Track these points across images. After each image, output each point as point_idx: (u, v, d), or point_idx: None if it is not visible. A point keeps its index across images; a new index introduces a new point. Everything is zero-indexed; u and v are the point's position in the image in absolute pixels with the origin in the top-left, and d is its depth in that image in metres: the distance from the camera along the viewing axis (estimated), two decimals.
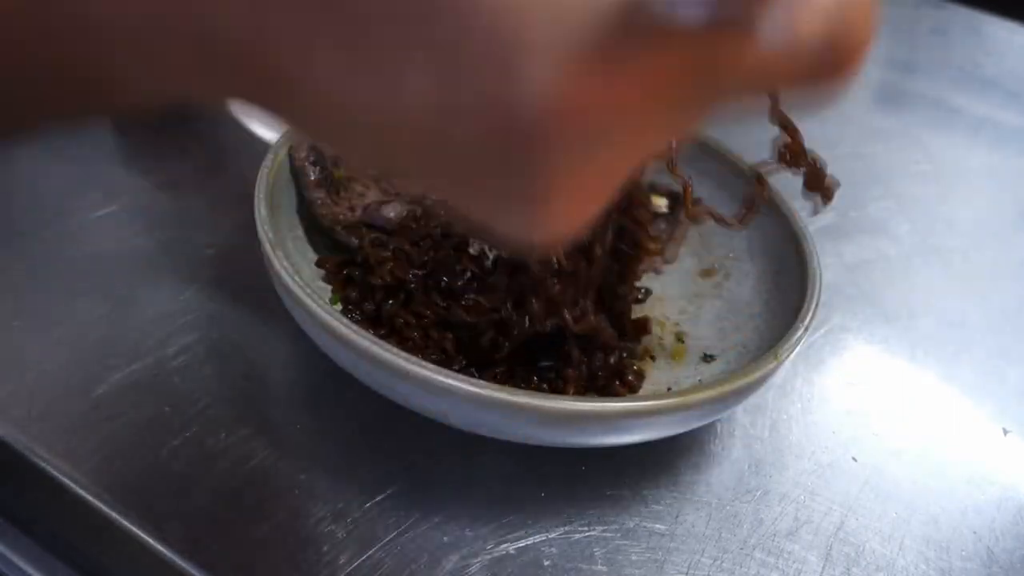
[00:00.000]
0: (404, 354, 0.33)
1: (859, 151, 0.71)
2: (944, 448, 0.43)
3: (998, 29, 0.99)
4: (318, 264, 0.43)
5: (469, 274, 0.39)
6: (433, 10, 0.13)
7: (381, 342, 0.33)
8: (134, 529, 0.33)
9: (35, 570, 0.39)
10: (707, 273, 0.46)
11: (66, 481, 0.34)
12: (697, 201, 0.50)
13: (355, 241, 0.42)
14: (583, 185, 0.15)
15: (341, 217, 0.43)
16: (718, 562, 0.35)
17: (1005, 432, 0.45)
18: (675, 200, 0.50)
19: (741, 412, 0.42)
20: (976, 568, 0.37)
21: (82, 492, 0.34)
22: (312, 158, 0.44)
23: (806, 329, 0.38)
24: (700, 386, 0.36)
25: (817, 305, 0.39)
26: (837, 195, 0.63)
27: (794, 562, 0.36)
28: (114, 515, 0.33)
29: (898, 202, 0.64)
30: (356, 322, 0.36)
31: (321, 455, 0.37)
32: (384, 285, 0.40)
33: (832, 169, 0.68)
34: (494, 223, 0.15)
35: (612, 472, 0.38)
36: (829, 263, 0.55)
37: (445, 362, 0.38)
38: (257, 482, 0.35)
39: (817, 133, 0.76)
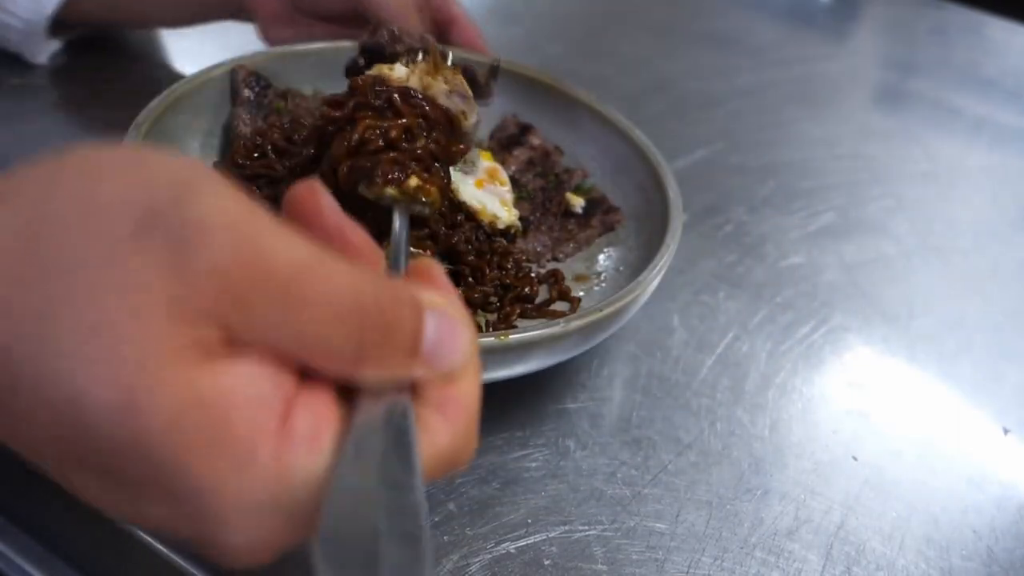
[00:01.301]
0: None
1: (859, 151, 0.71)
2: (944, 448, 0.43)
3: (998, 29, 0.99)
4: (214, 166, 0.45)
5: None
6: (164, 485, 0.19)
7: None
8: (134, 529, 0.33)
9: (36, 570, 0.39)
10: (581, 278, 0.46)
11: None
12: (577, 178, 0.51)
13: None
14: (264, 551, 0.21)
15: (249, 134, 0.46)
16: (719, 561, 0.35)
17: (1005, 432, 0.45)
18: (593, 206, 0.50)
19: (741, 411, 0.42)
20: (976, 567, 0.37)
21: None
22: (253, 82, 0.48)
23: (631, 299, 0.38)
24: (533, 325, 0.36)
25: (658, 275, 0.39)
26: (837, 195, 0.63)
27: (795, 561, 0.36)
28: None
29: (898, 202, 0.64)
30: None
31: None
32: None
33: (832, 169, 0.69)
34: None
35: (612, 471, 0.38)
36: (829, 263, 0.55)
37: None
38: None
39: (817, 133, 0.77)
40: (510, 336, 0.34)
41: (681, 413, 0.42)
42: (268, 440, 0.19)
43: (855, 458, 0.41)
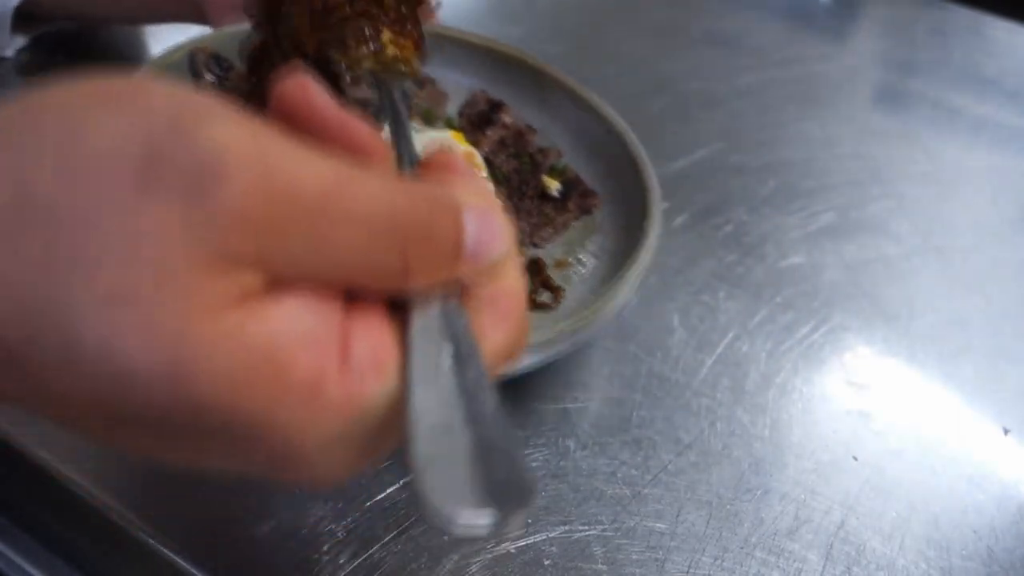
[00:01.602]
0: None
1: (859, 151, 0.71)
2: (944, 448, 0.43)
3: (998, 29, 0.99)
4: None
5: None
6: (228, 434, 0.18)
7: None
8: (134, 529, 0.33)
9: (36, 570, 0.39)
10: (561, 264, 0.45)
11: (66, 481, 0.34)
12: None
13: None
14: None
15: None
16: (719, 561, 0.35)
17: (1005, 432, 0.45)
18: (568, 188, 0.49)
19: (741, 411, 0.42)
20: (976, 567, 0.37)
21: (82, 492, 0.34)
22: (214, 65, 0.46)
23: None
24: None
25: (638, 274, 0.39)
26: (837, 195, 0.63)
27: (795, 561, 0.36)
28: (114, 515, 0.33)
29: (898, 202, 0.64)
30: None
31: None
32: None
33: (832, 169, 0.69)
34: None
35: (612, 471, 0.38)
36: (829, 262, 0.55)
37: None
38: (257, 482, 0.35)
39: (818, 133, 0.76)
40: None
41: (681, 413, 0.42)
42: (331, 377, 0.18)
43: (855, 458, 0.41)
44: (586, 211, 0.48)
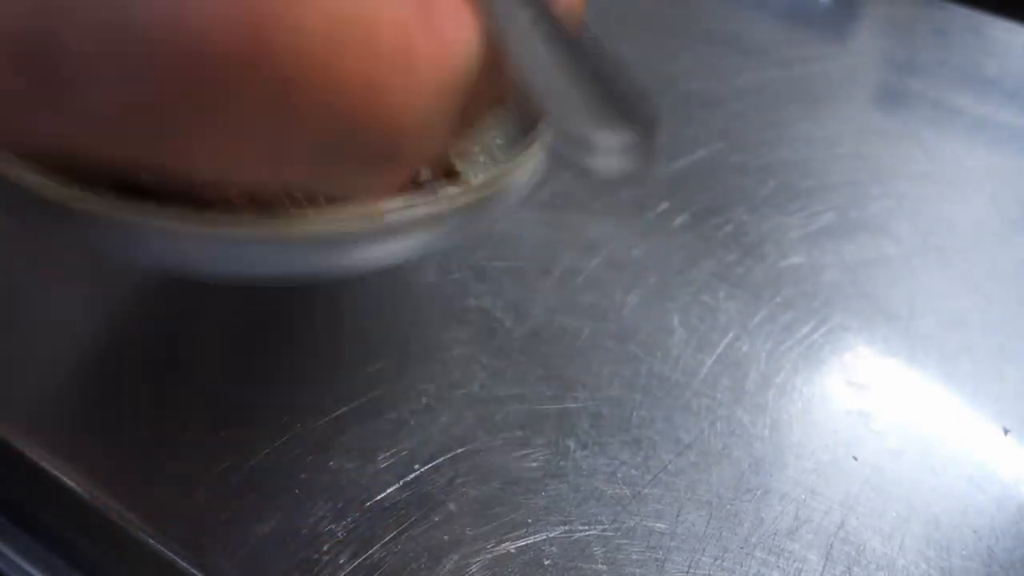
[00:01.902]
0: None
1: (859, 151, 0.71)
2: (944, 448, 0.43)
3: (998, 29, 0.99)
4: None
5: None
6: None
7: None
8: (134, 529, 0.33)
9: (36, 570, 0.39)
10: (465, 154, 0.40)
11: (66, 481, 0.34)
12: None
13: None
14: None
15: None
16: (719, 561, 0.35)
17: (1005, 432, 0.45)
18: None
19: (741, 411, 0.42)
20: (976, 567, 0.37)
21: (82, 492, 0.34)
22: None
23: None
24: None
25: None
26: (837, 195, 0.63)
27: (795, 561, 0.36)
28: (114, 515, 0.33)
29: (898, 202, 0.64)
30: None
31: (321, 455, 0.37)
32: None
33: (832, 169, 0.68)
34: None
35: (612, 471, 0.38)
36: (829, 263, 0.55)
37: None
38: (257, 482, 0.35)
39: (817, 133, 0.76)
40: (385, 216, 0.27)
41: (681, 413, 0.42)
42: (419, 35, 0.17)
43: (855, 458, 0.41)
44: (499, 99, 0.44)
